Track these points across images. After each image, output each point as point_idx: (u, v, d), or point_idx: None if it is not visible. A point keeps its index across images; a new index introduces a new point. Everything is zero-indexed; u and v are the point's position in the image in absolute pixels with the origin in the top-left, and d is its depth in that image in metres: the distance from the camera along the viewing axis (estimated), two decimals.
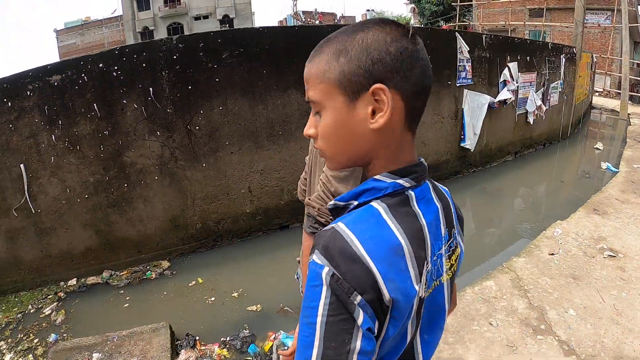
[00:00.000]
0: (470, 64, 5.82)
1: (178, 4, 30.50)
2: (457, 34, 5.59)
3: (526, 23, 19.40)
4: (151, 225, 3.90)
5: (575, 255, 3.43)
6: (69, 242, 3.57)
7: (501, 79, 6.48)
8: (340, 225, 0.59)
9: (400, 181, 0.64)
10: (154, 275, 3.85)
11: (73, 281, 3.68)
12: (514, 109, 6.95)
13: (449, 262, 0.73)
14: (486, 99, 6.25)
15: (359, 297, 0.54)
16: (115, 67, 3.34)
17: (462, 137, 6.08)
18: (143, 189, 3.78)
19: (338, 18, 42.25)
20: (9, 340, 2.96)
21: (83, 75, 3.22)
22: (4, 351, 2.89)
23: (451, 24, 22.89)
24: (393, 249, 0.59)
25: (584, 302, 2.79)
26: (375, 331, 0.57)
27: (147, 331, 2.83)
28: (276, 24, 35.03)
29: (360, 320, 0.54)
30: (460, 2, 22.07)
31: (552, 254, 3.47)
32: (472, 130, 6.14)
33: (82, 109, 3.29)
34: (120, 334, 2.82)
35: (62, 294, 3.54)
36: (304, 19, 35.74)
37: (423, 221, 0.64)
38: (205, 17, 30.83)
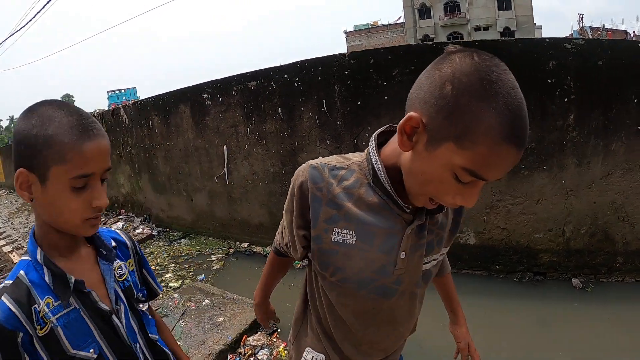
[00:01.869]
0: None
1: (458, 14, 30.67)
2: None
3: None
4: None
5: None
6: (248, 213, 4.55)
7: None
8: None
9: None
10: (299, 265, 4.37)
11: (244, 244, 4.67)
12: None
13: None
14: None
15: None
16: (297, 79, 3.86)
17: None
18: None
19: (632, 36, 31.48)
20: (178, 265, 4.19)
21: (272, 83, 3.92)
22: (170, 270, 4.13)
23: None
24: None
25: None
26: None
27: (248, 303, 3.35)
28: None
29: None
30: None
31: None
32: None
33: (270, 110, 4.06)
34: (233, 297, 3.48)
35: (232, 250, 4.58)
36: (590, 35, 28.57)
37: None
38: (486, 28, 30.19)
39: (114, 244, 1.00)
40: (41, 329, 0.81)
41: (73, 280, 0.85)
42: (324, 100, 3.90)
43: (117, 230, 1.07)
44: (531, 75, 3.01)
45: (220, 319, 3.17)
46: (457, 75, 0.65)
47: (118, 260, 0.99)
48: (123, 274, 0.99)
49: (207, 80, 4.68)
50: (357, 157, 0.92)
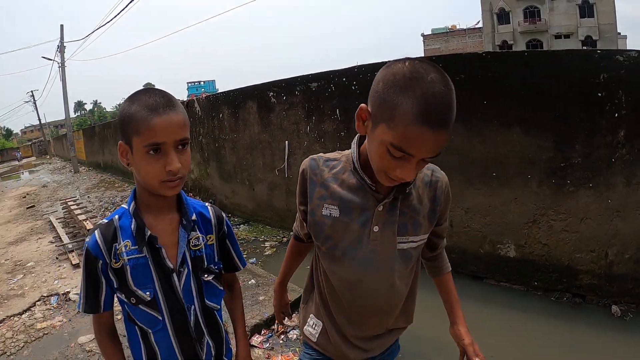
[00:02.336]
0: None
1: (538, 20, 29.06)
2: None
3: None
4: None
5: None
6: None
7: None
8: None
9: None
10: None
11: None
12: None
13: None
14: None
15: None
16: (354, 82, 4.12)
17: None
18: None
19: None
20: None
21: (332, 85, 4.23)
22: None
23: None
24: None
25: None
26: None
27: (289, 288, 3.74)
28: None
29: None
30: None
31: None
32: None
33: (328, 111, 4.37)
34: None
35: (285, 239, 4.98)
36: None
37: None
38: (566, 36, 28.48)
39: (194, 217, 1.13)
40: (115, 263, 1.04)
41: (148, 234, 1.04)
42: None
43: (208, 206, 1.22)
44: (580, 88, 2.97)
45: (261, 298, 3.56)
46: (387, 75, 0.89)
47: (198, 232, 1.13)
48: (199, 244, 1.13)
49: (273, 79, 5.16)
50: (347, 152, 1.15)
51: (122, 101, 1.06)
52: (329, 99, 4.42)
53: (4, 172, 28.44)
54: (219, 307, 1.20)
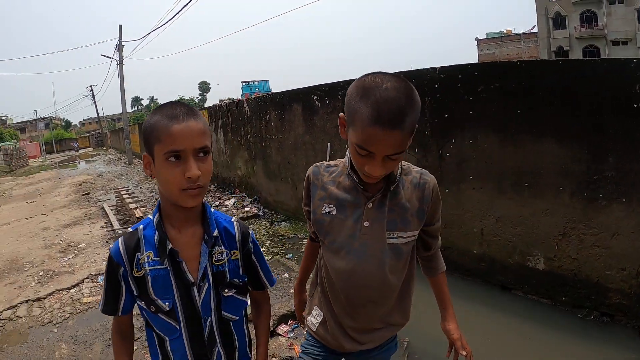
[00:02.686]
0: None
1: (595, 26, 28.07)
2: None
3: None
4: None
5: None
6: None
7: None
8: None
9: None
10: None
11: None
12: None
13: None
14: None
15: None
16: None
17: None
18: None
19: None
20: (273, 242, 4.91)
21: None
22: (264, 246, 4.88)
23: None
24: None
25: None
26: None
27: None
28: None
29: None
30: None
31: None
32: None
33: None
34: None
35: None
36: None
37: None
38: (624, 42, 27.36)
39: (216, 233, 1.13)
40: (137, 272, 1.09)
41: (170, 247, 1.07)
42: None
43: (234, 222, 1.22)
44: (616, 98, 2.91)
45: (292, 291, 3.76)
46: (355, 86, 1.07)
47: (222, 247, 1.15)
48: (222, 259, 1.14)
49: (318, 83, 5.43)
50: (345, 159, 1.29)
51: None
52: None
53: (62, 161, 30.57)
54: (237, 318, 1.21)
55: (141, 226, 1.13)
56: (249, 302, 1.26)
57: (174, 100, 1.16)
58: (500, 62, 3.74)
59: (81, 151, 45.64)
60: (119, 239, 1.12)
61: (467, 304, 3.73)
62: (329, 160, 1.45)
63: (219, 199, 8.51)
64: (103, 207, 8.76)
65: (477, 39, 42.67)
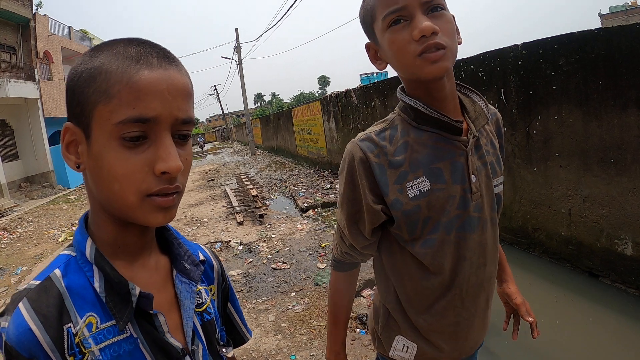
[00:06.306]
0: None
1: None
2: None
3: None
4: None
5: None
6: None
7: None
8: None
9: None
10: None
11: None
12: None
13: None
14: None
15: None
16: (480, 69, 4.56)
17: None
18: None
19: None
20: None
21: (462, 72, 4.74)
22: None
23: None
24: None
25: None
26: None
27: None
28: None
29: None
30: None
31: None
32: None
33: None
34: None
35: None
36: None
37: None
38: None
39: (201, 257, 0.77)
40: None
41: (138, 293, 0.60)
42: (502, 89, 4.53)
43: (201, 245, 0.85)
44: None
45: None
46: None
47: (200, 283, 0.76)
48: (203, 302, 0.75)
49: None
50: (390, 115, 1.00)
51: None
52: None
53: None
54: None
55: (57, 271, 0.61)
56: None
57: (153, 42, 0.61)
58: (579, 32, 3.77)
59: (207, 146, 46.79)
60: (22, 306, 0.56)
61: (555, 289, 3.91)
62: None
63: (331, 183, 9.55)
64: (225, 190, 10.52)
65: (599, 14, 41.37)
